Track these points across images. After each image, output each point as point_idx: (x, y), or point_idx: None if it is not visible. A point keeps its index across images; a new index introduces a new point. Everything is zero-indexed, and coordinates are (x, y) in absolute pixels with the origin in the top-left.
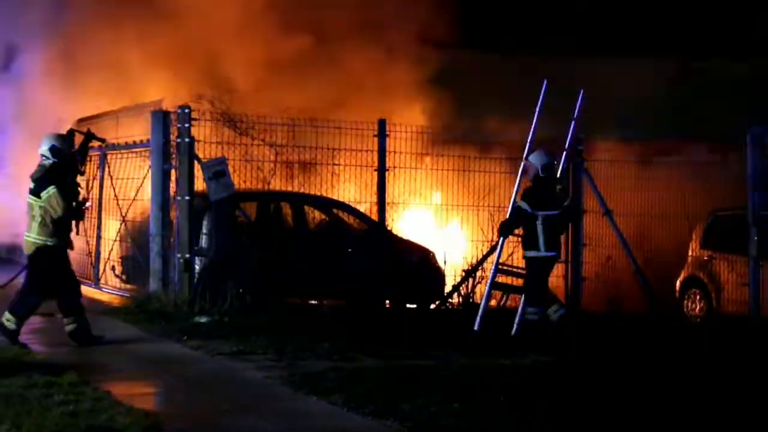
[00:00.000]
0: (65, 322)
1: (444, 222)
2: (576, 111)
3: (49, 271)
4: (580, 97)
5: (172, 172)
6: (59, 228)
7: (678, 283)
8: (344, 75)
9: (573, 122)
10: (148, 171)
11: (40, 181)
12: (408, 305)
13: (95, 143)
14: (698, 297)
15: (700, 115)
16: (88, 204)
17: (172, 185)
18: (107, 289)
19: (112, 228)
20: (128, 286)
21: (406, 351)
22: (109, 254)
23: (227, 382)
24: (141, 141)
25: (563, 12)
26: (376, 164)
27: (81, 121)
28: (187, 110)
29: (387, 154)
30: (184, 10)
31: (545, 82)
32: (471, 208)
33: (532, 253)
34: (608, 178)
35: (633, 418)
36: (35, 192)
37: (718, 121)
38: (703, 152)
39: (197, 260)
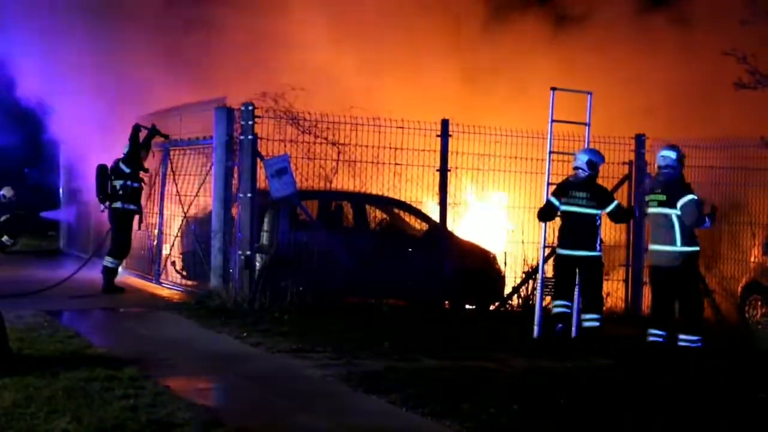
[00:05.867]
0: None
1: (505, 223)
2: (587, 115)
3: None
4: (589, 100)
5: (235, 169)
6: (694, 235)
7: (740, 289)
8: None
9: (587, 126)
10: (210, 167)
11: (675, 190)
12: (467, 306)
13: (159, 138)
14: (759, 303)
15: None
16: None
17: (235, 182)
18: (167, 284)
19: (173, 224)
20: (188, 282)
21: (465, 352)
22: (171, 250)
23: (286, 380)
24: (204, 137)
25: None
26: (438, 164)
27: (145, 116)
28: (250, 107)
29: (449, 154)
30: (252, 8)
31: (553, 92)
32: (533, 210)
33: None
34: None
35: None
36: (667, 202)
37: None
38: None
39: (258, 257)
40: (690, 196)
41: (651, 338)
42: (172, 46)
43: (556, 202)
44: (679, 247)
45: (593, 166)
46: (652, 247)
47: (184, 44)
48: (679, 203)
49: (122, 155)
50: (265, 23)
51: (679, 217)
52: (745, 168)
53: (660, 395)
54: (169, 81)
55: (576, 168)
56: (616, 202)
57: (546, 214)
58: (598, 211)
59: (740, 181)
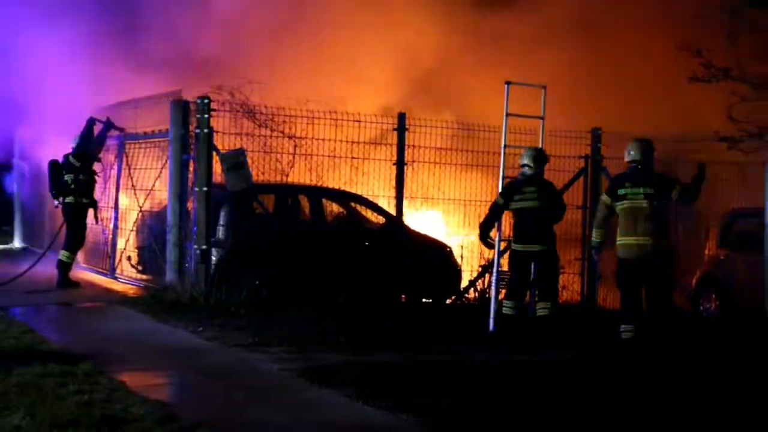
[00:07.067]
0: None
1: (462, 217)
2: (542, 109)
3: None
4: (543, 94)
5: (191, 162)
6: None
7: (694, 282)
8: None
9: (542, 120)
10: (166, 161)
11: (662, 181)
12: (424, 300)
13: (114, 132)
14: (713, 296)
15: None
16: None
17: (190, 176)
18: (123, 279)
19: (129, 218)
20: (144, 277)
21: (422, 345)
22: (126, 244)
23: (242, 374)
24: (160, 131)
25: None
26: (395, 158)
27: (100, 109)
28: (206, 101)
29: (406, 148)
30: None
31: (507, 86)
32: (489, 204)
33: None
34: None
35: (642, 418)
36: (656, 194)
37: None
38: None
39: (214, 251)
40: (677, 191)
41: (625, 335)
42: (128, 39)
43: (502, 201)
44: (662, 240)
45: (540, 163)
46: (631, 240)
47: (140, 37)
48: (674, 196)
49: (71, 150)
50: (221, 15)
51: (664, 208)
52: (700, 161)
53: (620, 388)
54: (125, 74)
55: (523, 166)
56: (560, 199)
57: (491, 218)
58: (548, 204)
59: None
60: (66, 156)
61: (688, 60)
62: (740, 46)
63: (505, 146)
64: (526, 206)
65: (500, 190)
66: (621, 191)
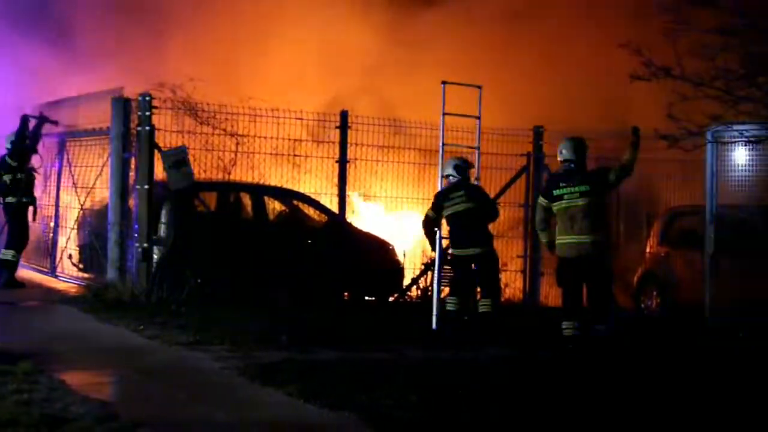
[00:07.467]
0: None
1: (404, 214)
2: (478, 108)
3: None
4: (479, 95)
5: (132, 160)
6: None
7: (635, 280)
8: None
9: (478, 120)
10: (107, 159)
11: (595, 178)
12: (367, 298)
13: (54, 128)
14: (654, 293)
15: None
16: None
17: (132, 174)
18: (64, 277)
19: (70, 216)
20: (85, 275)
21: (364, 344)
22: (67, 242)
23: (183, 372)
24: (101, 128)
25: None
26: (337, 156)
27: (41, 106)
28: (147, 98)
29: (349, 146)
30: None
31: (444, 85)
32: (430, 201)
33: None
34: None
35: (582, 414)
36: (591, 192)
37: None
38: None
39: (155, 250)
40: (613, 172)
41: (566, 332)
42: (70, 36)
43: (433, 214)
44: (601, 236)
45: (462, 170)
46: (570, 239)
47: (82, 33)
48: (612, 179)
49: (6, 150)
50: (164, 13)
51: (600, 205)
52: (642, 159)
53: (562, 384)
54: (67, 71)
55: (447, 176)
56: (489, 199)
57: (428, 228)
58: (478, 205)
59: (637, 173)
60: (2, 157)
61: (629, 57)
62: (679, 44)
63: (443, 145)
64: (457, 210)
65: (431, 204)
66: (556, 192)
